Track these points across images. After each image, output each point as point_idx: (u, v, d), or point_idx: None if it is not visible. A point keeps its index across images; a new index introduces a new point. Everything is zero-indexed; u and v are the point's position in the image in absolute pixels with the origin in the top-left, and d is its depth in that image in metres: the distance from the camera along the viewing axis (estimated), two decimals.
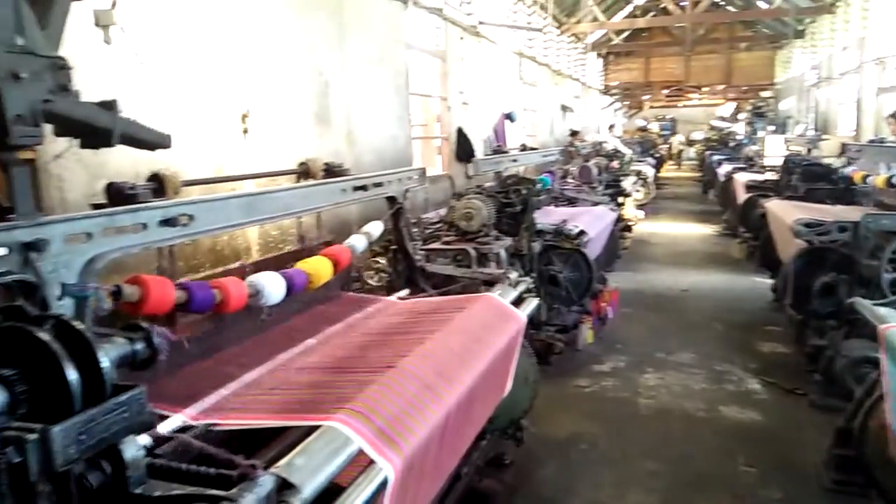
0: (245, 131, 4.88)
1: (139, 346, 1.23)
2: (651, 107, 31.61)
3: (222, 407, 1.95)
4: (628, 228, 10.59)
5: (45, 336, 1.05)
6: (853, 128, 13.83)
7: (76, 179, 3.44)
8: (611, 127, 21.85)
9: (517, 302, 3.18)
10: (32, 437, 1.00)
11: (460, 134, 9.31)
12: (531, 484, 3.73)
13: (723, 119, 23.61)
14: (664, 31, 25.62)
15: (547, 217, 5.90)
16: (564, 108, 17.46)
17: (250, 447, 1.84)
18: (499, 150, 7.54)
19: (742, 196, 9.37)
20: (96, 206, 1.75)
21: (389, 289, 3.60)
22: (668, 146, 26.54)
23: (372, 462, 1.69)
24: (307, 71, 5.77)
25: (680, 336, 6.21)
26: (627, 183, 10.61)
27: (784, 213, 6.03)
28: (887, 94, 12.10)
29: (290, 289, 2.51)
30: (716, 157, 15.93)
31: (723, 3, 23.23)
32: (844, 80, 15.13)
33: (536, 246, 5.18)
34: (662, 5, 21.01)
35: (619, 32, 23.35)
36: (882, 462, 3.04)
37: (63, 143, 2.66)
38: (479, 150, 9.44)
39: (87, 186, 3.49)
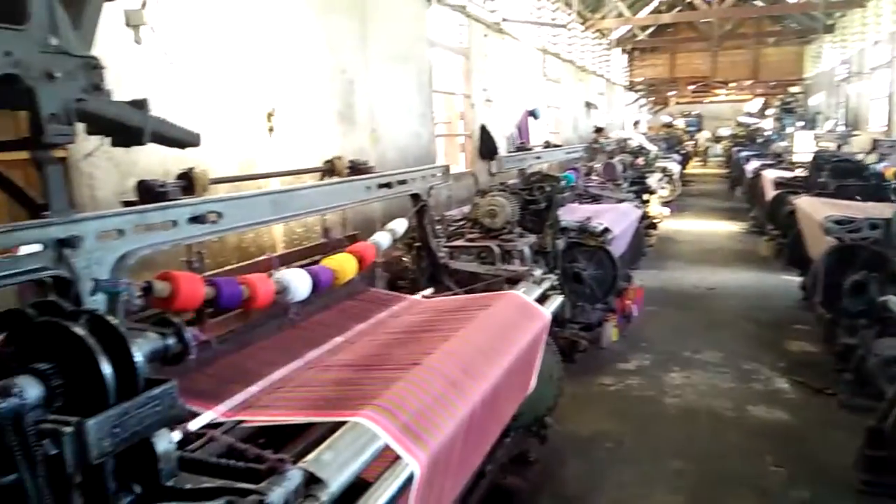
0: (270, 130, 4.92)
1: (171, 341, 1.25)
2: (677, 103, 31.24)
3: (251, 404, 1.97)
4: (653, 226, 10.49)
5: (80, 331, 1.07)
6: (884, 123, 13.54)
7: (106, 177, 3.50)
8: (636, 123, 21.65)
9: (541, 299, 3.17)
10: (68, 429, 1.02)
11: (483, 131, 9.29)
12: (555, 482, 3.71)
13: (750, 115, 23.27)
14: (690, 27, 25.28)
15: (571, 214, 5.87)
16: (588, 105, 17.34)
17: (277, 442, 1.87)
18: (522, 148, 7.52)
19: (770, 193, 9.23)
20: (127, 204, 1.78)
21: (413, 286, 3.61)
22: (693, 143, 26.22)
23: (398, 458, 1.69)
24: (331, 69, 5.80)
25: (706, 334, 6.14)
26: (653, 180, 10.51)
27: (814, 209, 5.93)
28: None
29: (316, 285, 2.53)
30: (743, 154, 15.72)
31: None
32: (876, 74, 14.81)
33: (560, 243, 5.15)
34: (688, 0, 20.75)
35: (644, 28, 23.09)
36: None
37: (94, 141, 2.71)
38: (503, 148, 9.41)
39: (116, 184, 3.55)
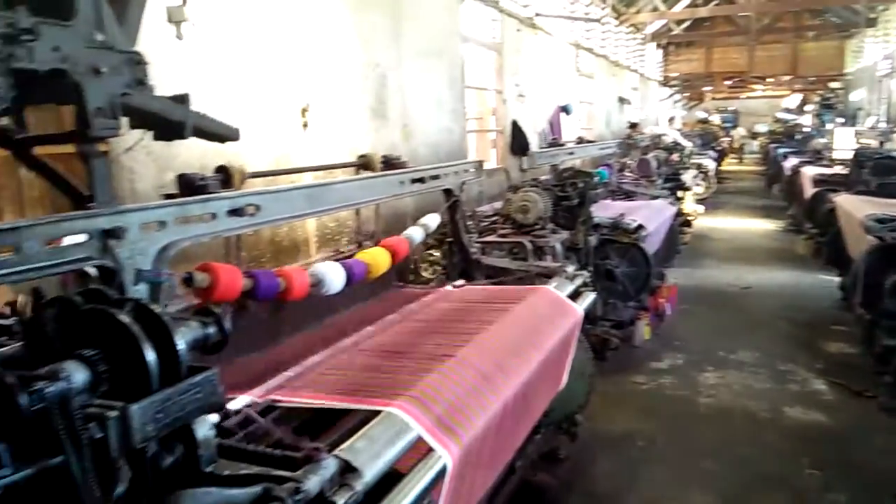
0: (305, 125, 4.97)
1: (211, 329, 1.28)
2: (712, 98, 30.73)
3: (284, 387, 2.00)
4: (688, 223, 10.34)
5: (125, 318, 1.10)
6: None
7: (146, 171, 3.57)
8: (671, 119, 21.35)
9: (574, 296, 3.15)
10: (113, 414, 1.05)
11: (515, 127, 9.25)
12: (586, 479, 3.70)
13: (788, 111, 22.77)
14: (727, 21, 24.81)
15: (604, 211, 5.81)
16: (622, 101, 17.14)
17: (311, 430, 1.89)
18: (554, 143, 7.48)
19: (809, 190, 9.04)
20: (168, 197, 1.82)
21: (443, 282, 3.62)
22: (730, 139, 25.77)
23: (430, 450, 1.71)
24: (364, 65, 5.83)
25: (742, 334, 6.04)
26: (688, 176, 10.36)
27: (854, 208, 5.79)
28: None
29: (350, 278, 2.56)
30: (781, 151, 15.39)
31: None
32: None
33: (593, 240, 5.11)
34: None
35: (679, 22, 22.73)
36: None
37: (135, 135, 2.77)
38: (534, 144, 9.37)
39: (155, 178, 3.62)
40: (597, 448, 3.98)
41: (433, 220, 3.35)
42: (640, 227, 5.44)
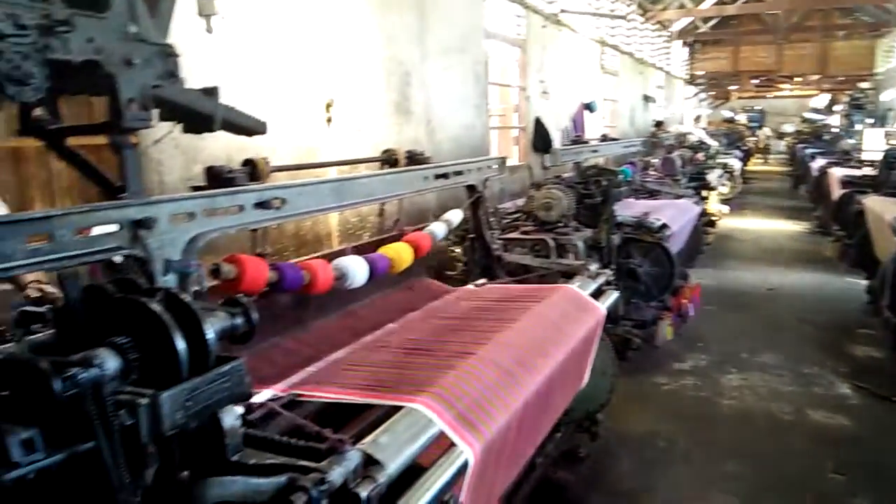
0: (329, 120, 4.99)
1: (239, 320, 1.29)
2: (739, 97, 30.34)
3: (307, 381, 2.02)
4: (712, 223, 10.23)
5: (156, 307, 1.11)
6: None
7: (173, 164, 3.61)
8: (697, 118, 21.10)
9: (596, 294, 3.14)
10: (144, 401, 1.06)
11: (538, 124, 9.21)
12: (606, 479, 3.68)
13: (816, 111, 22.40)
14: (755, 19, 24.46)
15: (627, 209, 5.77)
16: (647, 98, 16.99)
17: (333, 423, 1.90)
18: (578, 141, 7.43)
19: (837, 192, 8.88)
20: (196, 189, 1.84)
21: (465, 278, 3.62)
22: (756, 138, 25.43)
23: (452, 445, 1.71)
24: (389, 60, 5.84)
25: (765, 336, 5.96)
26: (713, 176, 10.24)
27: (883, 209, 5.69)
28: None
29: (373, 273, 2.57)
30: (809, 151, 15.16)
31: None
32: None
33: (615, 238, 5.08)
34: None
35: (706, 20, 22.46)
36: None
37: (164, 128, 2.80)
38: (557, 141, 9.32)
39: (182, 170, 3.66)
40: (618, 448, 3.96)
41: (456, 216, 3.35)
42: (664, 226, 5.39)
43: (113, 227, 1.44)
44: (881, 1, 17.39)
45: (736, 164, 13.85)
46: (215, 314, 1.24)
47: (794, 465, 3.81)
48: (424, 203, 5.00)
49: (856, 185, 8.38)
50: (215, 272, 1.72)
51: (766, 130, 27.77)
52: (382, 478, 1.41)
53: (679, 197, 7.41)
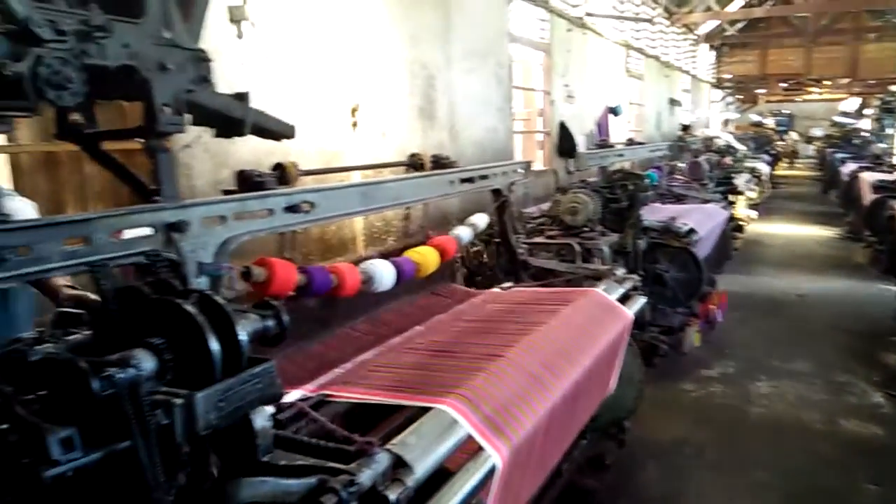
0: (354, 125, 5.02)
1: (270, 322, 1.30)
2: (767, 101, 29.93)
3: (335, 382, 2.03)
4: (740, 228, 10.09)
5: (191, 309, 1.13)
6: None
7: (202, 168, 3.66)
8: (726, 122, 20.85)
9: (623, 299, 3.11)
10: (179, 401, 1.07)
11: (563, 128, 9.17)
12: (633, 486, 3.64)
13: (846, 115, 22.02)
14: (783, 22, 24.13)
15: (653, 214, 5.72)
16: (672, 102, 16.84)
17: (361, 426, 1.90)
18: (603, 145, 7.39)
19: (868, 197, 8.73)
20: (227, 192, 1.86)
21: (490, 282, 3.61)
22: (785, 142, 25.07)
23: (479, 449, 1.70)
24: (413, 65, 5.86)
25: (796, 343, 5.86)
26: (741, 180, 10.10)
27: None
28: None
29: (400, 276, 2.57)
30: (839, 155, 14.91)
31: None
32: None
33: (642, 243, 5.03)
34: None
35: (733, 23, 22.23)
36: None
37: (193, 132, 2.84)
38: (581, 145, 9.26)
39: (211, 174, 3.70)
40: (644, 455, 3.92)
41: (481, 220, 3.35)
42: (692, 230, 5.33)
43: (147, 231, 1.46)
44: None
45: (764, 169, 13.66)
46: (247, 316, 1.25)
47: (825, 475, 3.73)
48: (448, 207, 5.00)
49: (888, 190, 8.22)
50: (246, 275, 1.74)
51: (793, 135, 27.34)
52: (411, 481, 1.42)
53: (706, 201, 7.33)
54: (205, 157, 3.63)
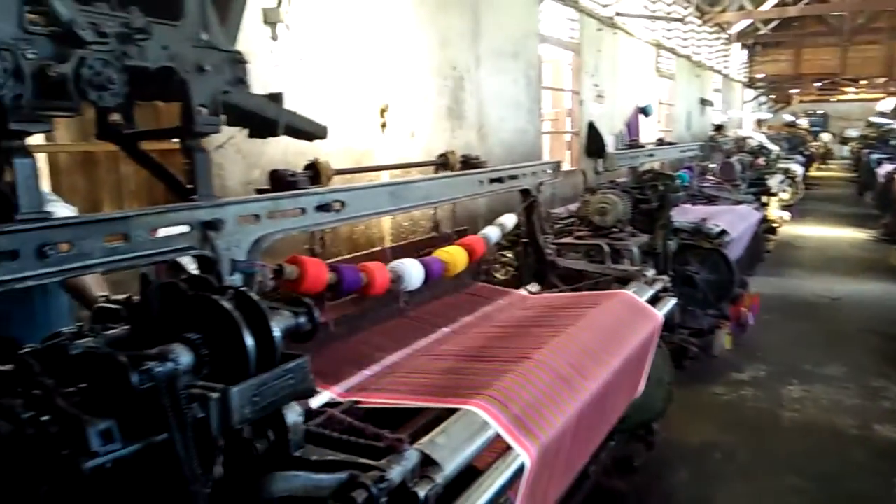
0: (383, 125, 5.05)
1: (302, 319, 1.32)
2: (800, 101, 29.38)
3: (365, 387, 2.04)
4: (773, 230, 9.92)
5: (227, 305, 1.15)
6: None
7: (234, 168, 3.72)
8: (760, 122, 20.51)
9: (653, 301, 3.09)
10: (215, 395, 1.10)
11: (592, 128, 9.11)
12: (661, 490, 3.61)
13: (883, 115, 21.52)
14: (818, 20, 23.66)
15: (684, 215, 5.65)
16: (704, 102, 16.63)
17: (388, 425, 1.92)
18: (633, 145, 7.32)
19: None
20: (260, 191, 1.89)
21: (516, 282, 3.60)
22: (818, 144, 24.58)
23: (508, 449, 1.71)
24: (442, 66, 5.88)
25: (830, 347, 5.75)
26: (774, 181, 9.93)
27: None
28: None
29: (428, 276, 2.58)
30: (875, 156, 14.58)
31: None
32: None
33: (672, 244, 4.98)
34: None
35: (767, 22, 21.85)
36: None
37: (226, 133, 2.88)
38: (610, 145, 9.19)
39: (243, 174, 3.76)
40: (673, 458, 3.88)
41: (510, 220, 3.35)
42: (723, 232, 5.27)
43: (184, 228, 1.49)
44: None
45: (798, 170, 13.41)
46: (281, 313, 1.27)
47: (859, 481, 3.66)
48: (475, 207, 5.01)
49: None
50: (278, 272, 1.77)
51: (826, 135, 26.77)
52: (440, 478, 1.42)
53: (739, 202, 7.22)
54: (237, 157, 3.68)
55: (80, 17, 1.24)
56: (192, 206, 1.48)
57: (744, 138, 11.79)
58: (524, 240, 3.64)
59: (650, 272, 3.36)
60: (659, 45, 12.82)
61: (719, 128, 12.17)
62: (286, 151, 3.69)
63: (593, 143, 9.05)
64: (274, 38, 3.06)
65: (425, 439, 1.54)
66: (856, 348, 5.74)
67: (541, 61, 7.86)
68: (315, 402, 1.85)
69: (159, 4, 1.47)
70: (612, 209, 4.33)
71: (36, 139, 2.86)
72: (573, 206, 5.11)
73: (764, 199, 9.06)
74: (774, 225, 10.07)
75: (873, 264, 9.06)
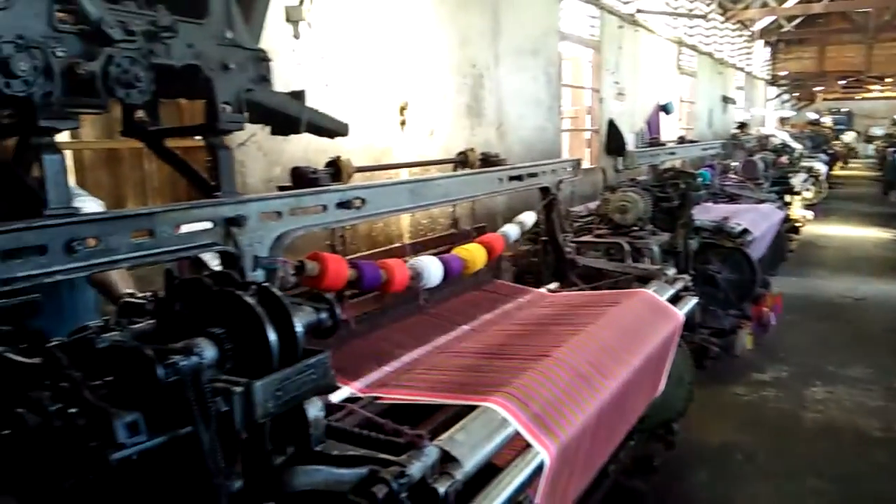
0: (403, 123, 5.06)
1: (324, 315, 1.33)
2: (824, 99, 28.97)
3: (385, 383, 2.06)
4: (795, 229, 9.79)
5: (251, 300, 1.16)
6: None
7: (255, 165, 3.75)
8: (783, 120, 20.25)
9: (674, 300, 3.07)
10: (238, 389, 1.11)
11: (612, 126, 9.05)
12: (681, 490, 3.59)
13: None
14: (843, 17, 23.31)
15: (705, 214, 5.60)
16: (726, 100, 16.45)
17: (407, 421, 1.92)
18: (654, 143, 7.26)
19: None
20: (282, 189, 1.90)
21: (537, 280, 3.59)
22: (842, 142, 24.20)
23: (527, 446, 1.71)
24: (461, 64, 5.88)
25: (853, 348, 5.67)
26: (797, 180, 9.80)
27: None
28: None
29: (447, 273, 2.58)
30: None
31: None
32: None
33: (693, 243, 4.93)
34: None
35: (790, 18, 21.56)
36: None
37: (248, 130, 2.91)
38: (630, 143, 9.13)
39: (264, 172, 3.79)
40: (693, 459, 3.85)
41: (529, 218, 3.34)
42: (745, 231, 5.21)
43: (207, 225, 1.50)
44: None
45: (822, 169, 13.23)
46: (303, 309, 1.28)
47: (883, 483, 3.61)
48: (494, 205, 5.00)
49: None
50: (299, 269, 1.78)
51: (850, 134, 26.35)
52: (459, 475, 1.43)
53: (761, 201, 7.14)
54: (258, 154, 3.72)
55: (108, 15, 1.26)
56: (216, 203, 1.49)
57: (767, 136, 11.64)
58: (543, 238, 3.63)
59: (671, 271, 3.34)
60: (680, 43, 12.71)
61: (743, 126, 12.02)
62: (307, 149, 3.72)
63: (613, 141, 8.98)
64: (296, 36, 3.08)
65: (445, 436, 1.54)
66: (880, 349, 5.66)
67: (561, 59, 7.83)
68: (335, 398, 1.87)
69: (185, 3, 1.49)
70: (632, 207, 4.31)
71: (62, 136, 2.91)
72: (593, 205, 5.09)
73: (787, 197, 8.95)
74: (797, 224, 9.94)
75: None
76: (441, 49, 5.54)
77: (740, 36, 18.84)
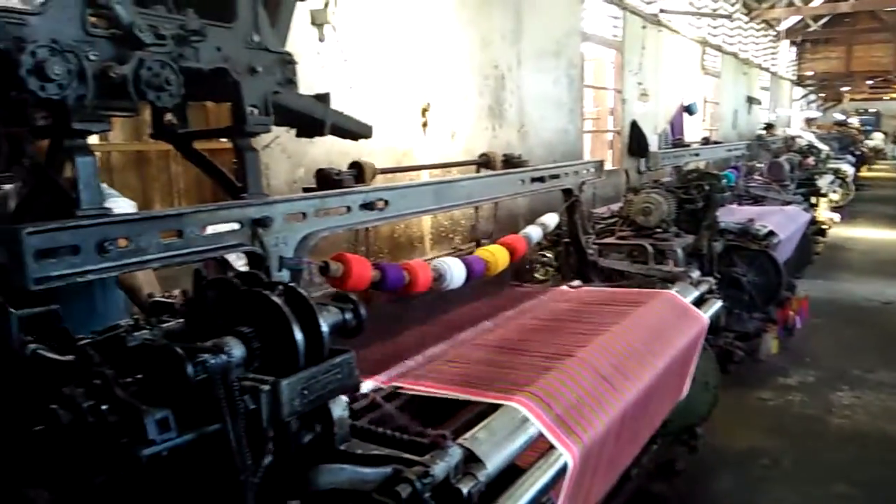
0: (424, 125, 5.08)
1: (349, 315, 1.34)
2: (851, 99, 28.50)
3: (406, 374, 2.06)
4: (822, 232, 9.64)
5: (277, 300, 1.18)
6: None
7: (279, 167, 3.79)
8: (810, 121, 19.96)
9: (698, 302, 3.04)
10: (265, 387, 1.12)
11: (634, 127, 9.00)
12: (704, 495, 3.55)
13: None
14: (871, 17, 22.92)
15: (730, 216, 5.54)
16: (750, 101, 16.26)
17: (430, 420, 1.93)
18: (678, 144, 7.21)
19: None
20: (307, 190, 1.92)
21: (556, 283, 3.58)
22: (870, 143, 23.78)
23: (550, 448, 1.70)
24: (483, 65, 5.88)
25: (881, 352, 5.57)
26: (823, 182, 9.66)
27: None
28: None
29: (470, 274, 2.59)
30: None
31: None
32: None
33: (718, 246, 4.88)
34: None
35: (817, 18, 21.25)
36: None
37: (273, 132, 2.94)
38: (653, 145, 9.07)
39: (288, 174, 3.83)
40: (717, 463, 3.81)
41: (552, 220, 3.33)
42: (771, 233, 5.15)
43: (234, 226, 1.53)
44: None
45: (849, 170, 13.02)
46: (328, 308, 1.30)
47: None
48: (515, 207, 5.00)
49: None
50: (324, 270, 1.80)
51: (878, 135, 25.87)
52: (483, 476, 1.43)
53: (787, 203, 7.05)
54: (282, 156, 3.75)
55: (139, 19, 1.29)
56: (243, 204, 1.51)
57: (792, 137, 11.48)
58: (566, 240, 3.62)
59: (695, 273, 3.31)
60: (704, 43, 12.59)
61: (769, 126, 11.88)
62: (330, 151, 3.74)
63: (636, 143, 8.95)
64: (321, 39, 3.10)
65: (468, 435, 1.54)
66: None
67: (583, 60, 7.80)
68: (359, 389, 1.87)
69: (213, 7, 1.52)
70: (656, 209, 4.27)
71: (91, 139, 2.96)
72: (615, 206, 5.06)
73: (813, 199, 8.83)
74: (824, 227, 9.79)
75: None
76: (463, 51, 5.55)
77: (765, 36, 18.61)
